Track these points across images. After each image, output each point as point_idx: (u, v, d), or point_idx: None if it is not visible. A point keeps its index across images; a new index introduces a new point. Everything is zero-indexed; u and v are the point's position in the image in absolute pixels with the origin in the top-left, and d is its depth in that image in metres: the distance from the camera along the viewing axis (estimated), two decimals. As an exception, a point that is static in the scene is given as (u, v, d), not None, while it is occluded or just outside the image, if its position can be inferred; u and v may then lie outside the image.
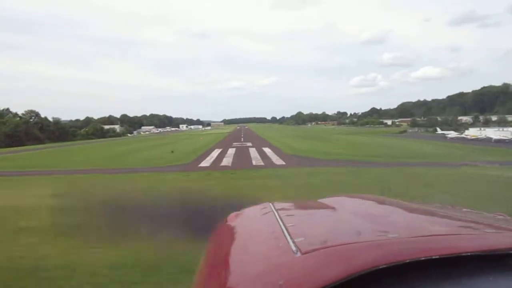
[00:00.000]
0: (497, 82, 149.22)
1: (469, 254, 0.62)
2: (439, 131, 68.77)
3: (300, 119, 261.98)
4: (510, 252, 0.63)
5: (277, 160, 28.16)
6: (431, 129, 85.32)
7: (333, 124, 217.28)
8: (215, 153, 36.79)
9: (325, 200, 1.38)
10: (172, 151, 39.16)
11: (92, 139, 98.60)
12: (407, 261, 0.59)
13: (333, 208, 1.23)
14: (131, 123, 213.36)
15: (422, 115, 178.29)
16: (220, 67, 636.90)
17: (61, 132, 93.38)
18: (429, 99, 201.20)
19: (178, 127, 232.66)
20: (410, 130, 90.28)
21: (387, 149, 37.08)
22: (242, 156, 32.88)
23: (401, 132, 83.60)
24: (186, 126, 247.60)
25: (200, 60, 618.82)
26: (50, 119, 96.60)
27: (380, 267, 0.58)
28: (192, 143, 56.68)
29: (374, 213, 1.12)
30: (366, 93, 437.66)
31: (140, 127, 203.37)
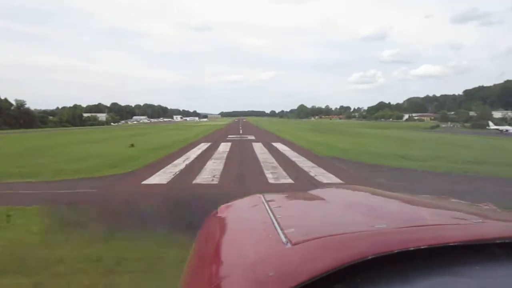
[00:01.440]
0: (500, 80, 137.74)
1: (456, 243, 0.63)
2: (492, 126, 55.18)
3: (302, 112, 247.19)
4: (495, 241, 0.65)
5: (316, 171, 13.39)
6: (467, 124, 72.47)
7: (340, 118, 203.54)
8: (197, 150, 22.17)
9: (316, 192, 1.36)
10: (132, 145, 24.94)
11: (66, 127, 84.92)
12: (396, 251, 0.60)
13: (323, 199, 1.23)
14: (122, 112, 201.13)
15: (435, 109, 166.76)
16: (220, 60, 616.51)
17: (27, 118, 78.31)
18: (437, 94, 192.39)
19: (172, 118, 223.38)
20: (444, 125, 77.38)
21: (481, 150, 22.67)
22: (242, 159, 18.17)
23: (434, 127, 70.54)
24: (181, 117, 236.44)
25: (199, 53, 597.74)
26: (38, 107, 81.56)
27: (370, 257, 0.59)
28: (173, 134, 42.55)
29: (364, 204, 1.13)
30: (367, 89, 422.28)
31: (131, 117, 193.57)
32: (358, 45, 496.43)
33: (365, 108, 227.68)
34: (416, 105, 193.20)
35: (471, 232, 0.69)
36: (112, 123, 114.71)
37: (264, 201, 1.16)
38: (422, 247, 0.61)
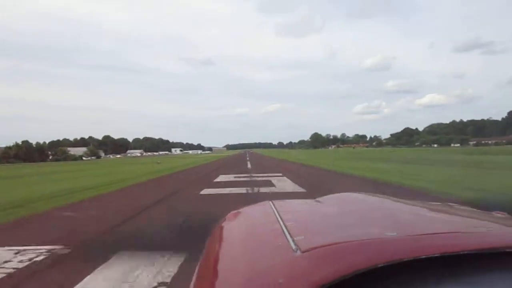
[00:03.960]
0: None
1: (468, 252, 0.62)
2: None
3: (317, 141, 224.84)
4: (508, 250, 0.64)
5: None
6: None
7: (365, 146, 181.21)
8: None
9: (326, 198, 1.35)
10: None
11: (12, 163, 64.50)
12: (406, 259, 0.59)
13: (333, 206, 1.23)
14: (115, 146, 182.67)
15: (474, 134, 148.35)
16: (224, 93, 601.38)
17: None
18: (464, 119, 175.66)
19: (170, 151, 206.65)
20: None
21: None
22: None
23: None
24: (180, 150, 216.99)
25: (204, 87, 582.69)
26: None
27: (380, 265, 0.58)
28: (133, 170, 22.58)
29: (375, 211, 1.11)
30: (374, 118, 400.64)
31: (125, 150, 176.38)
32: (362, 75, 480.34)
33: (382, 135, 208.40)
34: (456, 129, 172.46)
35: (484, 240, 0.68)
36: (83, 158, 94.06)
37: (273, 208, 1.16)
38: (434, 256, 0.60)
